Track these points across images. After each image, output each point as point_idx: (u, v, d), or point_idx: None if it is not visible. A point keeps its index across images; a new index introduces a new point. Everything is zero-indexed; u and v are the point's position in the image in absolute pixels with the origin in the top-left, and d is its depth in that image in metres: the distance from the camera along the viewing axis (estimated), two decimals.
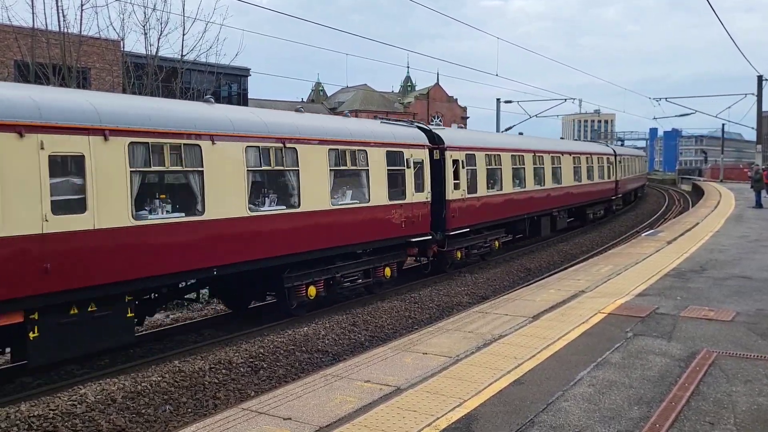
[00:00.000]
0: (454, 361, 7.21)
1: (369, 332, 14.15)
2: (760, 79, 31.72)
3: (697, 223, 22.92)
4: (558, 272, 18.04)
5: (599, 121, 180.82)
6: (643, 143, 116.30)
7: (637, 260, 14.52)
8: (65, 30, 20.28)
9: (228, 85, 39.33)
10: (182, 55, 23.24)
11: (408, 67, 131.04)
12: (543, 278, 18.86)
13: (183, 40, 23.28)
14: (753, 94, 32.72)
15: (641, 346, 7.69)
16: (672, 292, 10.95)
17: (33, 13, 20.06)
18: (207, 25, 22.65)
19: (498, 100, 38.81)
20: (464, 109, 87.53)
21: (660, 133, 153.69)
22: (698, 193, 52.94)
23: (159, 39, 22.92)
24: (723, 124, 66.73)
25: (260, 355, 11.96)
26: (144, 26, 22.49)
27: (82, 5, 20.15)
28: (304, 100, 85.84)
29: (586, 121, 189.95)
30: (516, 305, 10.10)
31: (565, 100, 35.53)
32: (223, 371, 11.16)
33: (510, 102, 37.52)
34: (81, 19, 20.47)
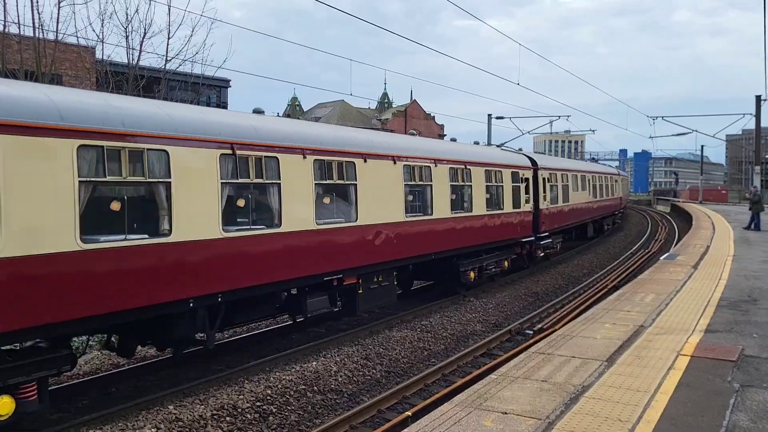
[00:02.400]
0: (546, 425, 5.76)
1: (384, 367, 12.65)
2: (758, 99, 31.11)
3: (708, 246, 21.95)
4: (593, 300, 16.76)
5: (570, 142, 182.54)
6: (614, 164, 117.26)
7: (676, 288, 13.30)
8: (40, 28, 18.45)
9: (207, 96, 37.58)
10: (167, 60, 21.53)
11: (385, 82, 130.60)
12: (561, 301, 17.73)
13: (168, 44, 21.55)
14: (751, 114, 32.24)
15: (762, 403, 6.35)
16: (741, 327, 9.70)
17: (5, 10, 18.27)
18: (197, 21, 20.85)
19: (489, 116, 37.85)
20: (441, 126, 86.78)
21: (630, 154, 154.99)
22: (679, 214, 52.40)
23: (142, 43, 21.15)
24: (702, 146, 66.85)
25: (268, 398, 10.35)
26: (126, 29, 20.75)
27: (59, 2, 18.37)
28: (280, 114, 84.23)
29: (557, 141, 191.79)
30: (577, 344, 8.71)
31: (559, 117, 34.61)
32: (228, 419, 9.53)
33: (502, 118, 36.62)
34: (58, 17, 18.69)
